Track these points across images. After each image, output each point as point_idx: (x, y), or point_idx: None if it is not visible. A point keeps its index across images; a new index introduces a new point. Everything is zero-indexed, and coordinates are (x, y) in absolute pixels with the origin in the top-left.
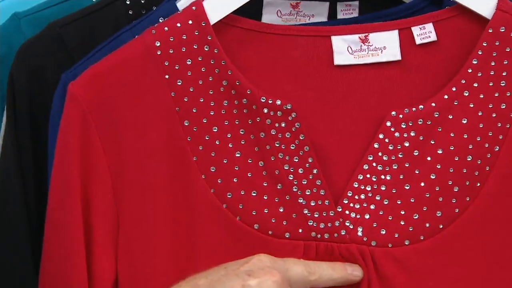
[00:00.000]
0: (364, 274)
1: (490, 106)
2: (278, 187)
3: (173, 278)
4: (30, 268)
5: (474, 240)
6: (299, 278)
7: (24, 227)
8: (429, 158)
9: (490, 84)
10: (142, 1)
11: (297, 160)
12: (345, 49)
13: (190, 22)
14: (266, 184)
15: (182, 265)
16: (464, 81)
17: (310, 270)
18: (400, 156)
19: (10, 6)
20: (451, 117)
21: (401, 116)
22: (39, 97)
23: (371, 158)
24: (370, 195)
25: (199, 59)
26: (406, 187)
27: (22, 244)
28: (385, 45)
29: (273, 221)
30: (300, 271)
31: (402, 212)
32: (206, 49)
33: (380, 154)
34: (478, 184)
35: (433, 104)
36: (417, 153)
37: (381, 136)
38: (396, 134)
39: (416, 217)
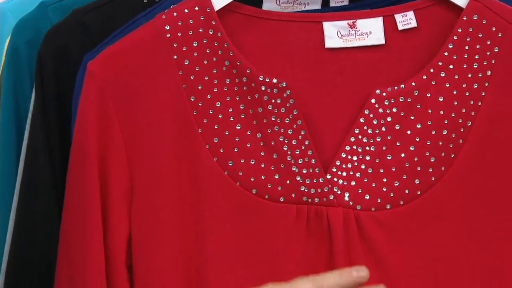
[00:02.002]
0: (346, 235)
1: (464, 86)
2: (274, 156)
3: (179, 235)
4: (56, 225)
5: (448, 205)
6: None
7: (51, 193)
8: (409, 132)
9: (464, 66)
10: None
11: (291, 133)
12: (335, 34)
13: (197, 8)
14: (263, 154)
15: (188, 223)
16: (441, 63)
17: (318, 284)
18: (383, 129)
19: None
20: (429, 95)
21: (384, 94)
22: (64, 76)
23: (357, 131)
24: (356, 164)
25: (204, 41)
26: (388, 158)
27: (50, 206)
28: (370, 30)
29: (269, 186)
30: None
31: (384, 180)
32: (211, 33)
33: (365, 127)
34: (452, 155)
35: (413, 84)
36: (398, 127)
37: (366, 111)
38: (380, 110)
39: (396, 184)
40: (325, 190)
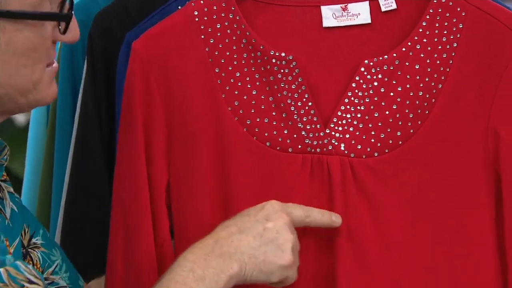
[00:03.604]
0: (342, 177)
1: (435, 56)
2: (283, 115)
3: (208, 180)
4: (102, 167)
5: (424, 151)
6: (298, 219)
7: (99, 140)
8: (391, 94)
9: (435, 40)
10: None
11: (297, 96)
12: (331, 15)
13: None
14: (274, 114)
15: (215, 171)
16: (416, 38)
17: (306, 213)
18: (371, 92)
19: None
20: (407, 64)
21: (371, 63)
22: (109, 50)
23: (350, 94)
24: (350, 120)
25: (226, 24)
26: (375, 115)
27: (98, 151)
28: (359, 12)
29: (280, 140)
30: (299, 213)
31: (373, 133)
32: (231, 17)
33: (356, 91)
34: (427, 112)
35: (395, 55)
36: (383, 90)
37: (357, 78)
38: (368, 76)
39: (382, 136)
40: (325, 142)
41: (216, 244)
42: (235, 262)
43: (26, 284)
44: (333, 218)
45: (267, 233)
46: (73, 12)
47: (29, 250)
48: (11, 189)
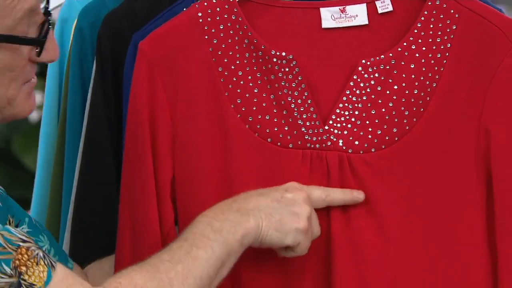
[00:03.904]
0: (341, 172)
1: (430, 56)
2: (284, 113)
3: (211, 174)
4: (111, 161)
5: (419, 147)
6: (318, 198)
7: (107, 136)
8: (388, 92)
9: (429, 40)
10: None
11: (297, 94)
12: (330, 17)
13: None
14: (275, 111)
15: (218, 166)
16: (411, 38)
17: (326, 192)
18: (368, 90)
19: None
20: (403, 63)
21: (368, 63)
22: (117, 50)
23: (348, 92)
24: (348, 117)
25: (229, 24)
26: (372, 112)
27: (107, 145)
28: (357, 14)
29: (281, 136)
30: (319, 193)
31: (370, 129)
32: (233, 18)
33: (354, 89)
34: (422, 109)
35: (391, 55)
36: (380, 88)
37: (355, 77)
38: (365, 75)
39: (379, 132)
40: (324, 138)
41: (235, 202)
42: (252, 217)
43: (21, 244)
44: (354, 194)
45: (285, 200)
46: (48, 36)
47: None
48: None
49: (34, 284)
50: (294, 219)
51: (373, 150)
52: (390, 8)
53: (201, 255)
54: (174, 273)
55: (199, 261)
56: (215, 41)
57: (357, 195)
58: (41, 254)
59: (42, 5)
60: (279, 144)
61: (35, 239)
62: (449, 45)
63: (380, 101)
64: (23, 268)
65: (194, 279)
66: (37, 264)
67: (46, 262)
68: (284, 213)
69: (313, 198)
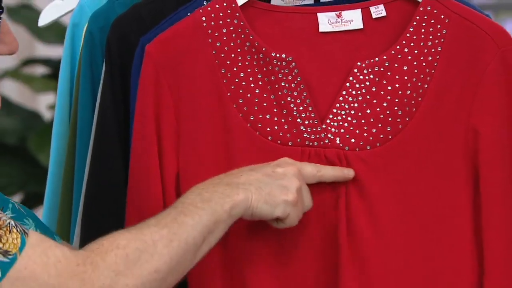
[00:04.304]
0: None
1: (421, 58)
2: (284, 112)
3: (214, 172)
4: (119, 159)
5: (411, 145)
6: (309, 173)
7: (116, 136)
8: (382, 92)
9: (421, 44)
10: None
11: (296, 94)
12: (326, 21)
13: (225, 4)
14: (275, 110)
15: (221, 163)
16: (404, 42)
17: (317, 168)
18: (363, 91)
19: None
20: (396, 65)
21: (363, 65)
22: (125, 54)
23: (344, 93)
24: (344, 116)
25: (231, 28)
26: (367, 111)
27: (115, 144)
28: (352, 19)
29: (281, 134)
30: (310, 168)
31: (365, 128)
32: (236, 22)
33: (350, 90)
34: (414, 109)
35: (385, 57)
36: (374, 89)
37: (351, 78)
38: (361, 77)
39: (374, 131)
40: (322, 136)
41: (226, 176)
42: (242, 190)
43: None
44: (345, 172)
45: (275, 174)
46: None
47: None
48: None
49: (8, 251)
50: (283, 191)
51: (368, 147)
52: (384, 13)
53: (188, 221)
54: (158, 236)
55: (185, 227)
56: (218, 44)
57: (347, 172)
58: (12, 222)
59: None
60: (279, 142)
61: (20, 223)
62: (439, 49)
63: (374, 101)
64: None
65: (179, 242)
66: (10, 232)
67: (18, 230)
68: (274, 186)
69: (304, 173)
